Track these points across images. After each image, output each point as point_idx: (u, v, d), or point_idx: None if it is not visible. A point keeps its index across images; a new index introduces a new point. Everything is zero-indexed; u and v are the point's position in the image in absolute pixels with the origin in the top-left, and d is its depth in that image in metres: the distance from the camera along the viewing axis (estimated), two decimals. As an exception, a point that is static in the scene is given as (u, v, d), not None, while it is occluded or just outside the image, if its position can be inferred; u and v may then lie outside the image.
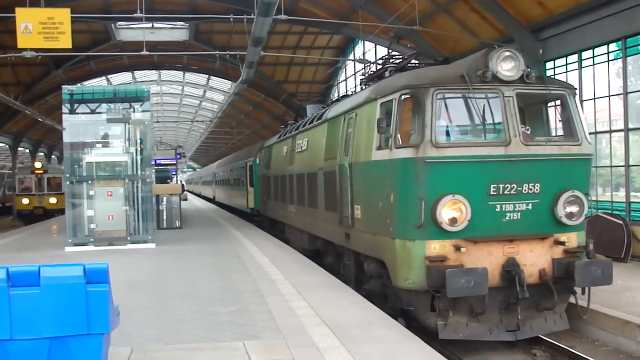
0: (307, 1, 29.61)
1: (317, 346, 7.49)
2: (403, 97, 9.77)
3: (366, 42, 34.78)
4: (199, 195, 75.08)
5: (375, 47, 34.02)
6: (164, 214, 25.88)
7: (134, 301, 10.36)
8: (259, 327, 8.51)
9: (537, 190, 9.53)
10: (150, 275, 13.53)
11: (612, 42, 17.45)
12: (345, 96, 15.92)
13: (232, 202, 38.67)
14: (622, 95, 17.42)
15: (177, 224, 25.81)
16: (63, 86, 20.50)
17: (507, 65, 9.66)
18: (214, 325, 8.69)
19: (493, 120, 9.91)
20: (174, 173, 42.69)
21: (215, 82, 50.53)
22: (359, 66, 35.97)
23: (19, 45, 19.02)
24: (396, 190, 9.64)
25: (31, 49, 21.02)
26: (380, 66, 13.03)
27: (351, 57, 38.48)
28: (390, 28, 24.56)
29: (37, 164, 45.36)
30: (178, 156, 40.90)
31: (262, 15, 17.84)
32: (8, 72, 34.89)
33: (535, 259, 9.52)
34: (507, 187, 9.39)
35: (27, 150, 60.09)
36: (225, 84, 48.89)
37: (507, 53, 9.68)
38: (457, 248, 9.23)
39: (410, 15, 22.39)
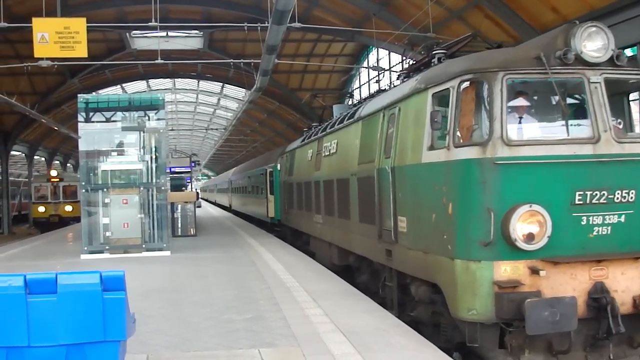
0: (320, 9, 29.67)
1: (333, 353, 7.47)
2: (464, 84, 8.08)
3: (380, 49, 34.82)
4: (214, 203, 74.77)
5: (389, 54, 34.05)
6: (179, 221, 25.96)
7: (149, 308, 10.38)
8: (274, 334, 8.50)
9: (631, 198, 7.74)
10: (166, 282, 13.57)
11: (627, 47, 17.37)
12: (382, 91, 14.12)
13: (250, 210, 37.01)
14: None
15: (192, 232, 25.88)
16: (79, 95, 20.68)
17: (593, 45, 7.87)
18: (229, 332, 8.69)
19: (577, 112, 8.32)
20: (189, 181, 42.84)
21: (230, 90, 50.72)
22: (373, 73, 36.01)
23: (36, 55, 19.21)
24: (456, 199, 7.97)
25: (47, 59, 21.21)
26: (424, 54, 11.10)
27: (365, 64, 38.51)
28: (404, 35, 24.56)
29: (53, 172, 45.69)
30: (192, 164, 41.05)
31: (276, 23, 17.90)
32: (24, 82, 35.21)
33: (628, 283, 7.70)
34: (597, 194, 7.63)
35: (43, 159, 60.54)
36: (240, 92, 49.07)
37: (594, 29, 7.88)
38: (534, 271, 7.50)
39: (423, 22, 22.40)
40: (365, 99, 14.94)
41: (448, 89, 8.33)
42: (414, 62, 11.62)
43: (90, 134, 19.75)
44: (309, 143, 18.66)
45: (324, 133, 16.41)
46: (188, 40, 36.75)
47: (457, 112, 8.10)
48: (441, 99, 8.61)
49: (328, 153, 15.50)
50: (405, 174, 9.55)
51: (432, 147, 8.62)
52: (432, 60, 10.39)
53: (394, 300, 10.67)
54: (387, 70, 31.80)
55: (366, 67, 37.61)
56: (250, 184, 36.70)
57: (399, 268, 10.07)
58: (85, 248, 18.53)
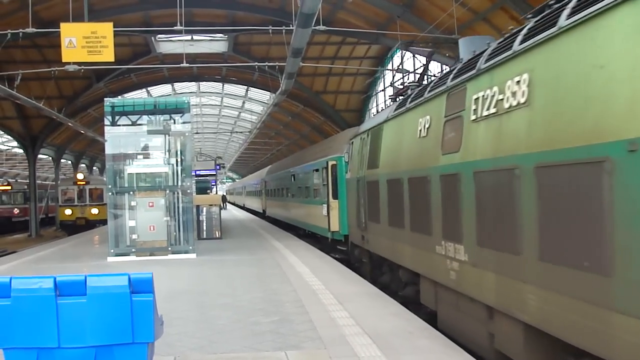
0: (345, 11, 29.67)
1: (359, 356, 7.45)
2: None
3: (404, 52, 34.72)
4: (242, 207, 71.29)
5: (413, 56, 33.94)
6: (204, 224, 26.07)
7: (176, 311, 10.45)
8: (300, 337, 8.51)
9: None
10: (192, 285, 13.63)
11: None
12: None
13: (297, 220, 29.22)
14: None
15: (217, 235, 25.98)
16: (105, 98, 20.87)
17: None
18: (255, 335, 8.71)
19: None
20: (214, 184, 43.05)
21: (254, 93, 50.88)
22: (398, 76, 35.94)
23: (64, 60, 19.43)
24: None
25: (74, 63, 21.44)
26: None
27: (389, 67, 38.42)
28: (428, 37, 24.49)
29: (80, 176, 46.12)
30: (217, 167, 41.26)
31: (301, 26, 17.90)
32: (52, 86, 35.59)
33: None
34: None
35: (70, 162, 61.14)
36: (264, 95, 49.20)
37: None
38: None
39: (448, 24, 22.31)
40: None
41: None
42: None
43: (117, 137, 19.96)
44: (418, 106, 10.66)
45: (470, 74, 8.33)
46: (213, 43, 36.92)
47: None
48: None
49: (487, 112, 7.52)
50: None
51: None
52: None
53: None
54: (411, 72, 31.71)
55: (390, 70, 37.50)
56: (297, 185, 28.99)
57: None
58: (112, 250, 18.71)
